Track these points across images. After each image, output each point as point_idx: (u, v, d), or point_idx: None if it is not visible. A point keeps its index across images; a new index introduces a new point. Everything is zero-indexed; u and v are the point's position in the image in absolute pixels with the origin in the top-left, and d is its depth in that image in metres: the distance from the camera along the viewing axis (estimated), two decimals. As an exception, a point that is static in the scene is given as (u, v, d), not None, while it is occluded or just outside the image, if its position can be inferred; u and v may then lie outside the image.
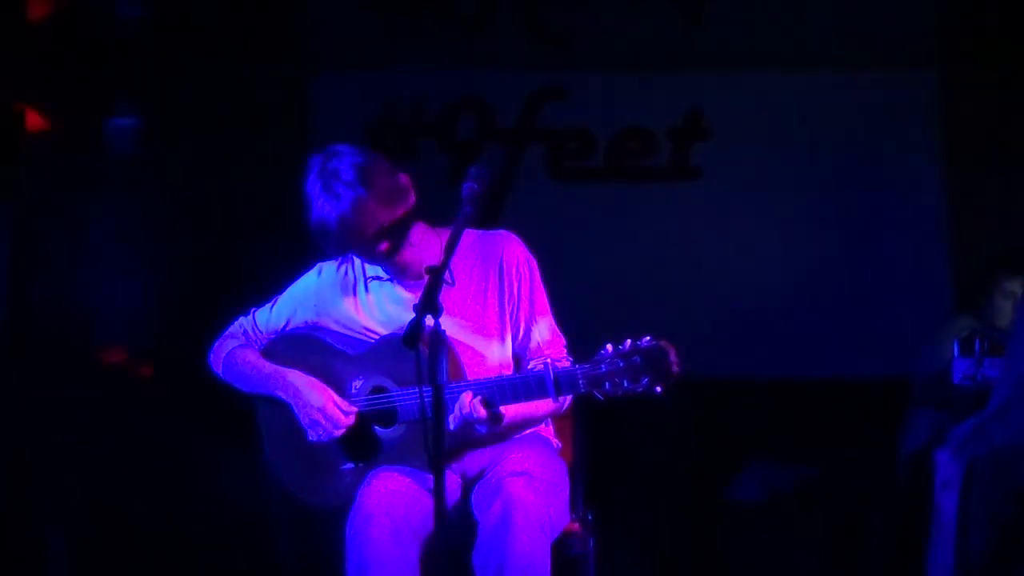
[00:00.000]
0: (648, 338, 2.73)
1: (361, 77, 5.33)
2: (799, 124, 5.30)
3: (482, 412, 2.85)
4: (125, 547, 4.73)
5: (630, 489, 5.08)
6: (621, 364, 2.71)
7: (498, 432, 3.02)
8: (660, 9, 5.10)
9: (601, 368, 2.74)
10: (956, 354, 4.03)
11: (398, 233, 2.98)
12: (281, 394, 3.08)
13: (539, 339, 3.12)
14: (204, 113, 5.15)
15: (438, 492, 2.48)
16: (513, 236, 3.18)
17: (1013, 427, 3.37)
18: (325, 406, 3.01)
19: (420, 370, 2.59)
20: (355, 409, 3.03)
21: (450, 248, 2.70)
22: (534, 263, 3.16)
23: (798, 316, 5.25)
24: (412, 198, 2.99)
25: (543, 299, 3.15)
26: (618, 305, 5.12)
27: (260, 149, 5.19)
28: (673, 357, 2.71)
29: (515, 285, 3.11)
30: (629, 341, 2.73)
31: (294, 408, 3.06)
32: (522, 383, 2.85)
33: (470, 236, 3.14)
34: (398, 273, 3.10)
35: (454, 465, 3.05)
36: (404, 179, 3.00)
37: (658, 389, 2.70)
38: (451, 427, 2.86)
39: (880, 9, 5.10)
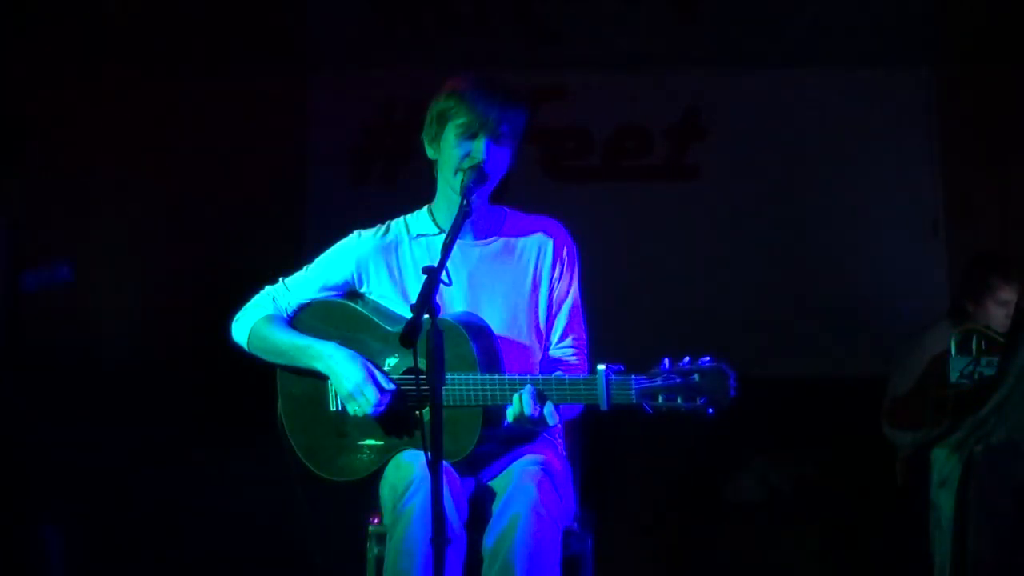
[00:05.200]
0: (708, 358, 2.66)
1: (361, 77, 5.34)
2: (796, 123, 5.31)
3: (537, 410, 2.77)
4: (123, 548, 4.74)
5: (629, 489, 5.08)
6: (678, 380, 2.65)
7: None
8: (657, 8, 5.10)
9: (656, 381, 2.66)
10: (953, 353, 4.04)
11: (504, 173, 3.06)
12: (318, 365, 2.96)
13: (567, 329, 3.10)
14: (204, 113, 5.16)
15: (435, 491, 2.48)
16: (561, 225, 3.19)
17: (1010, 424, 3.38)
18: (364, 381, 2.91)
19: (417, 368, 2.59)
20: (394, 386, 2.92)
21: (447, 247, 2.70)
22: (578, 254, 3.18)
23: (796, 315, 5.26)
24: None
25: (579, 291, 3.15)
26: (615, 304, 5.12)
27: (260, 149, 5.20)
28: (733, 382, 2.65)
29: (561, 270, 3.12)
30: (688, 358, 2.66)
31: (332, 380, 2.96)
32: (571, 384, 2.76)
33: (518, 218, 3.14)
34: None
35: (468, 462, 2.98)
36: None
37: (711, 411, 2.64)
38: (508, 419, 2.80)
39: (877, 9, 5.11)
